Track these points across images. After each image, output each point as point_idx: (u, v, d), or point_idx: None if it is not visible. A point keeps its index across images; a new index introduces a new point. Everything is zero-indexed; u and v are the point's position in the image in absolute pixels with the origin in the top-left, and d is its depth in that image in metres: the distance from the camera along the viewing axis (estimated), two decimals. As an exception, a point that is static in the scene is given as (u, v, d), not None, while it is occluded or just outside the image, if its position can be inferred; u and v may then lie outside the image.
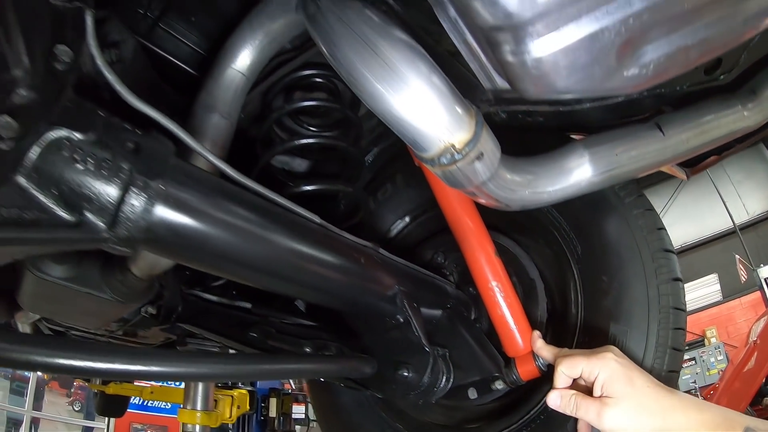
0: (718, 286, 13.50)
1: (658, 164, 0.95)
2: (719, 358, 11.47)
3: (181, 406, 2.16)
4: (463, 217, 1.10)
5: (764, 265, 10.06)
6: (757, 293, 10.91)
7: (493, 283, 1.09)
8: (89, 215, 0.53)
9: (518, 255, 1.23)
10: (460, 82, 0.72)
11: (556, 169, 0.84)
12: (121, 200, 0.54)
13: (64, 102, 0.56)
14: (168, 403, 11.02)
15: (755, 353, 6.72)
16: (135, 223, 0.55)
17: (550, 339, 1.14)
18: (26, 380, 9.36)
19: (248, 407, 4.06)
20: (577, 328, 1.08)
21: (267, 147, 1.11)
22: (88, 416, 10.55)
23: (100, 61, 0.59)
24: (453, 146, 0.62)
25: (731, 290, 12.75)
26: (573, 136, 1.10)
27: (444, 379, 0.98)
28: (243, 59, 0.92)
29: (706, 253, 14.01)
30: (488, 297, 1.09)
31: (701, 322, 13.17)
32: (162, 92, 0.96)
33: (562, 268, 1.14)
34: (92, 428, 10.53)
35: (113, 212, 0.54)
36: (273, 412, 4.80)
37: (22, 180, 0.50)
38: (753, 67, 1.05)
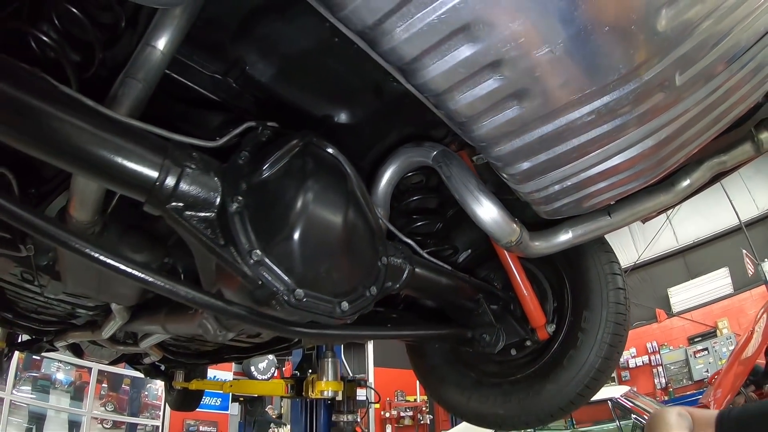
0: (729, 279, 13.93)
1: (608, 232, 1.83)
2: (731, 347, 11.73)
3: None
4: (507, 256, 2.02)
5: (769, 259, 10.21)
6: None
7: (524, 289, 2.03)
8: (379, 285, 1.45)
9: (537, 274, 2.16)
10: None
11: (554, 237, 1.75)
12: (404, 275, 1.45)
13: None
14: (218, 401, 11.75)
15: (751, 341, 7.47)
16: (404, 282, 1.46)
17: (556, 319, 2.08)
18: (48, 378, 9.96)
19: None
20: (568, 312, 2.01)
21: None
22: (132, 416, 11.23)
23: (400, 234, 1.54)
24: (511, 240, 1.54)
25: (742, 283, 13.23)
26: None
27: (502, 340, 1.94)
28: (391, 177, 1.66)
29: (717, 247, 14.44)
30: (521, 297, 2.01)
31: (713, 314, 13.68)
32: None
33: (560, 281, 2.08)
34: (136, 425, 11.24)
35: (400, 282, 1.46)
36: (340, 396, 5.40)
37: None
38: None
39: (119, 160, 0.92)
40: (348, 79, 1.37)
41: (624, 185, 1.38)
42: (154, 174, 0.96)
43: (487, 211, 1.48)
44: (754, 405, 1.43)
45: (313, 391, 3.41)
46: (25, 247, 1.54)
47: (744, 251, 11.74)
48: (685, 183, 1.74)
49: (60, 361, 10.00)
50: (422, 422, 15.92)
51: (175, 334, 2.08)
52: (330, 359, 2.84)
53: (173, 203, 0.99)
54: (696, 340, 13.67)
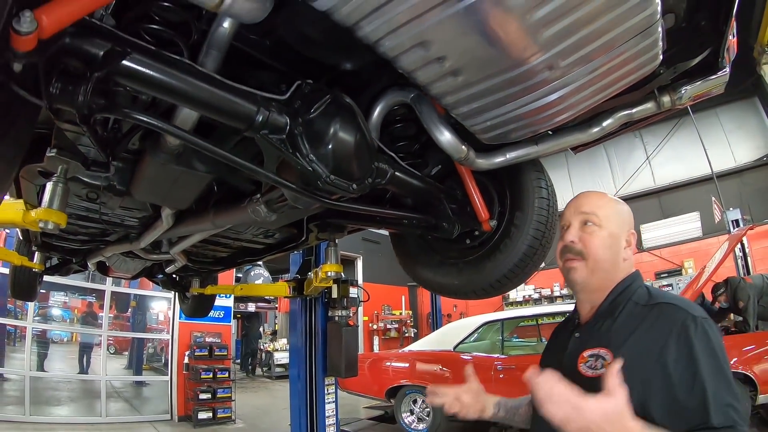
0: (699, 224, 14.83)
1: (536, 157, 2.52)
2: (693, 285, 12.94)
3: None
4: (463, 170, 2.71)
5: (733, 208, 11.28)
6: (731, 232, 12.04)
7: (474, 194, 2.76)
8: (373, 178, 2.24)
9: (488, 185, 2.81)
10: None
11: (493, 158, 2.43)
12: (388, 175, 2.19)
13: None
14: (221, 314, 12.63)
15: (701, 277, 8.46)
16: (388, 180, 2.21)
17: (498, 218, 2.85)
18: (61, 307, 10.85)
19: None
20: (507, 213, 2.74)
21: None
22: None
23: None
24: (461, 156, 2.29)
25: (711, 228, 14.07)
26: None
27: (457, 229, 2.76)
28: (381, 110, 2.03)
29: (691, 192, 15.18)
30: (472, 199, 2.71)
31: (681, 254, 14.64)
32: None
33: (503, 190, 2.78)
34: (143, 346, 12.11)
35: (385, 179, 2.20)
36: (335, 294, 5.99)
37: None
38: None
39: (237, 107, 1.52)
40: (350, 39, 1.60)
41: (537, 125, 1.91)
42: (254, 114, 1.61)
43: (444, 137, 2.16)
44: None
45: (317, 280, 4.26)
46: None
47: (713, 198, 12.42)
48: (598, 128, 2.24)
49: (70, 288, 10.89)
50: (407, 335, 17.14)
51: (221, 227, 2.71)
52: (333, 248, 3.65)
53: (263, 130, 1.67)
54: (662, 275, 14.67)
